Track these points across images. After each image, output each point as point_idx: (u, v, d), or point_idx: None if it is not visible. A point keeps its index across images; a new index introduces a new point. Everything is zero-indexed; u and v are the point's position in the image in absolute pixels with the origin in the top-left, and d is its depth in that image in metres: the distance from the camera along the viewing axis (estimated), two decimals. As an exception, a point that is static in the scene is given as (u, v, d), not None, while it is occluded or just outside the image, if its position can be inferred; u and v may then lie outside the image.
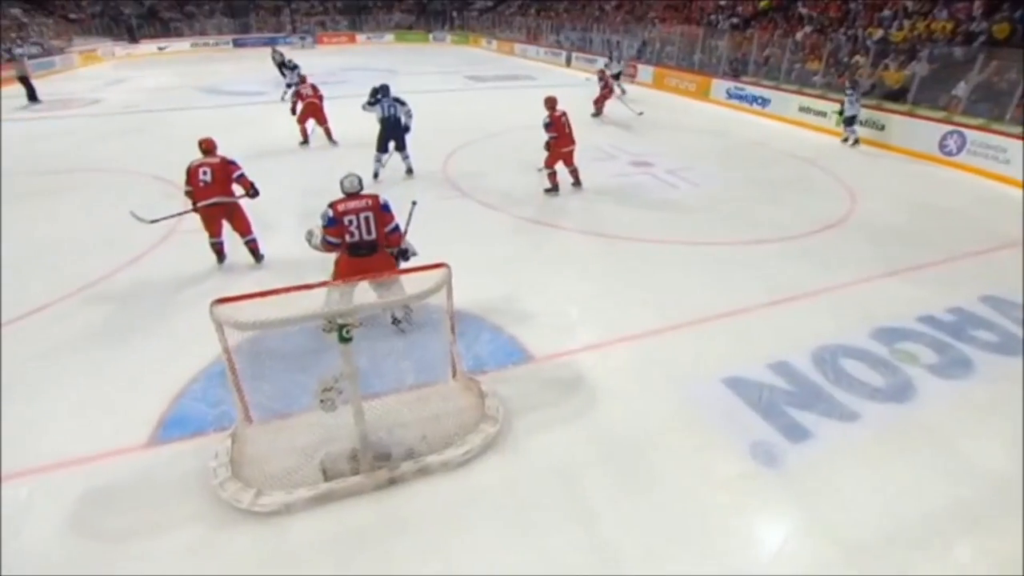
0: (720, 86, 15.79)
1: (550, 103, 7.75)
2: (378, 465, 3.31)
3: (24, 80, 16.67)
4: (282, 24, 39.06)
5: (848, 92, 11.02)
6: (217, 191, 5.64)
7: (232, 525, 3.04)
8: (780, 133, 12.48)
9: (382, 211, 4.28)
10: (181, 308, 5.16)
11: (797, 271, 5.92)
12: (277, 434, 3.49)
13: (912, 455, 3.56)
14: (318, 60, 24.89)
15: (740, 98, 14.97)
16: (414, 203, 4.79)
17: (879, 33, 13.23)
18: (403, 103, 8.70)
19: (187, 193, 5.75)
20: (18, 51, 21.09)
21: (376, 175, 9.03)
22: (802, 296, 5.42)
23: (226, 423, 3.62)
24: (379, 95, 8.66)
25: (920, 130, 10.49)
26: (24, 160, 10.36)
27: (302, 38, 36.19)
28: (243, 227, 5.97)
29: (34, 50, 23.50)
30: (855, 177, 9.15)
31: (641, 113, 13.31)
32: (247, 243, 6.08)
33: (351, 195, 4.30)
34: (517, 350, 4.55)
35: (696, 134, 12.40)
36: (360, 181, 4.39)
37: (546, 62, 24.95)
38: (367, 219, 4.22)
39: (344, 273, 4.34)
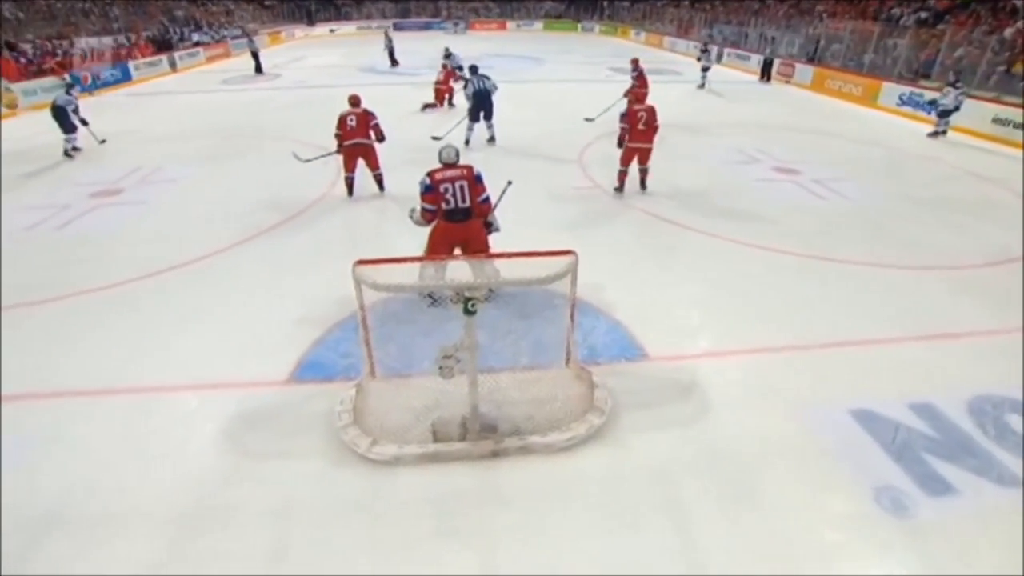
0: (892, 90, 14.10)
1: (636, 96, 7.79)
2: (484, 436, 3.46)
3: (255, 55, 20.35)
4: (438, 10, 41.16)
5: (957, 85, 10.97)
6: (359, 134, 7.13)
7: (348, 465, 3.35)
8: (961, 147, 10.89)
9: (476, 182, 4.52)
10: (328, 261, 5.66)
11: (961, 306, 5.19)
12: (396, 391, 3.76)
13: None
14: (469, 45, 25.82)
15: (915, 105, 13.22)
16: (509, 183, 4.97)
17: None
18: (488, 77, 9.70)
19: (336, 136, 7.18)
20: (251, 33, 26.07)
21: (467, 142, 9.75)
22: (965, 335, 4.75)
23: (352, 374, 3.97)
24: (469, 79, 9.72)
25: None
26: (224, 125, 12.33)
27: (455, 24, 37.92)
28: (374, 163, 7.48)
29: (235, 32, 27.44)
30: (1055, 205, 7.78)
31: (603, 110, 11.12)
32: (375, 176, 7.56)
33: (448, 165, 4.55)
34: (633, 346, 4.49)
35: (854, 143, 11.21)
36: (457, 153, 4.63)
37: (695, 57, 23.81)
38: (462, 187, 4.46)
39: (439, 236, 4.62)
